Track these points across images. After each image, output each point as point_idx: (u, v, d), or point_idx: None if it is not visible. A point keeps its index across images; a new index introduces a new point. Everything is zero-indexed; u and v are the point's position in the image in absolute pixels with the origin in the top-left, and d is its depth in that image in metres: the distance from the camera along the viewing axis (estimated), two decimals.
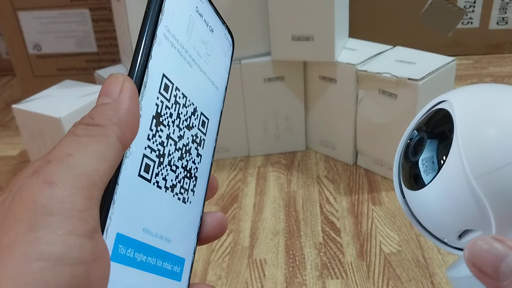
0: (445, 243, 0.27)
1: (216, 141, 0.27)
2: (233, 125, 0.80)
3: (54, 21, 0.95)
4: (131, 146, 0.19)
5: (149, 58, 0.20)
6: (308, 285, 0.56)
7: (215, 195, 0.42)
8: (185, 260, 0.24)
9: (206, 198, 0.26)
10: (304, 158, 0.81)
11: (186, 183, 0.24)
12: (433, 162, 0.25)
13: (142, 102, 0.20)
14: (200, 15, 0.24)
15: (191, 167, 0.24)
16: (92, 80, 0.79)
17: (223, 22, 0.27)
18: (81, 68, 0.99)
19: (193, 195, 0.25)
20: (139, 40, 0.20)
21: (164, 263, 0.22)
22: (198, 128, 0.25)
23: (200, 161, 0.25)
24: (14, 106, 0.67)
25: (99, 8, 0.94)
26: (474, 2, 1.08)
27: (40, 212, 0.15)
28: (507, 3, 1.08)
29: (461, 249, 0.26)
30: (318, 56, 0.73)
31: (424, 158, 0.25)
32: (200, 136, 0.25)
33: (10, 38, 0.97)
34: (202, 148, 0.25)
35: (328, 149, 0.81)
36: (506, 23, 1.11)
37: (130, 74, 0.19)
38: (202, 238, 0.26)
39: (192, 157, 0.24)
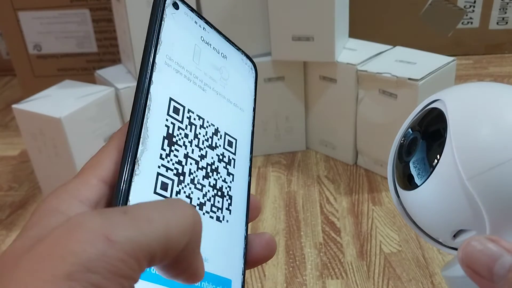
0: (440, 243, 0.26)
1: (251, 160, 0.27)
2: None
3: (54, 21, 0.95)
4: (139, 164, 0.20)
5: (150, 83, 0.21)
6: (308, 285, 0.56)
7: None
8: (231, 281, 0.24)
9: (250, 218, 0.26)
10: (304, 158, 0.81)
11: (218, 201, 0.24)
12: (425, 163, 0.25)
13: (148, 124, 0.21)
14: (207, 43, 0.25)
15: (222, 185, 0.25)
16: (93, 80, 0.79)
17: (238, 49, 0.28)
18: (82, 68, 0.99)
19: (230, 214, 0.25)
20: (140, 69, 0.22)
21: (203, 282, 0.22)
22: (224, 148, 0.25)
23: (232, 180, 0.26)
24: (14, 106, 0.67)
25: (99, 8, 0.94)
26: (474, 2, 1.08)
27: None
28: (507, 3, 1.08)
29: (456, 249, 0.25)
30: (318, 56, 0.73)
31: (418, 159, 0.25)
32: (228, 156, 0.26)
33: (11, 38, 0.97)
34: (233, 167, 0.26)
35: (328, 149, 0.81)
36: (506, 23, 1.11)
37: (134, 99, 0.21)
38: (250, 260, 0.25)
39: (221, 176, 0.25)
